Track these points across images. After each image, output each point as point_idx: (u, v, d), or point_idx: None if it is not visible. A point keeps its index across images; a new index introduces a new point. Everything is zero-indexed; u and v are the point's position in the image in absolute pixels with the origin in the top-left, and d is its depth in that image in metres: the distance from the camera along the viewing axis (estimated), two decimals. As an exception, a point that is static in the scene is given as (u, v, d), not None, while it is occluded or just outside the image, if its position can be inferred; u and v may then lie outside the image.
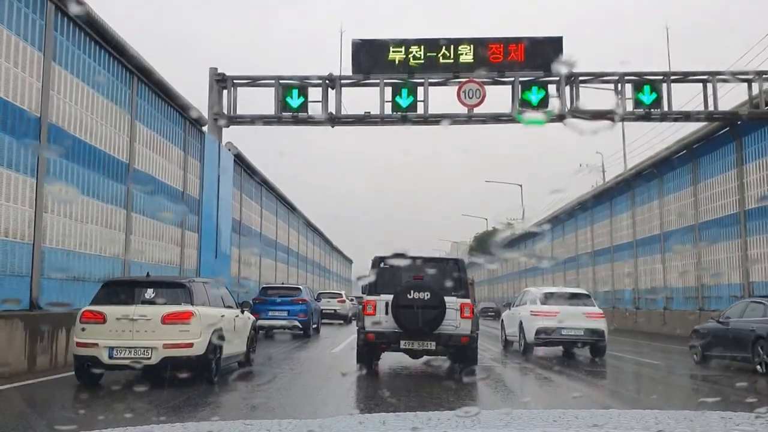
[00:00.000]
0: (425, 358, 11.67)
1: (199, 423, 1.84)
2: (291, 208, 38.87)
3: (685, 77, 20.51)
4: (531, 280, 49.45)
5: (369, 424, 1.85)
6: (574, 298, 16.01)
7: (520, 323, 15.51)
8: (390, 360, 12.19)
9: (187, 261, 18.86)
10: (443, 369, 11.61)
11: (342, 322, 30.20)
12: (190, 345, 8.76)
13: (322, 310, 28.81)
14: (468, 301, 11.02)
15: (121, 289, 9.53)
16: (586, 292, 17.55)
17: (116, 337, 8.64)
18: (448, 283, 10.83)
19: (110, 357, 8.61)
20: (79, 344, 8.80)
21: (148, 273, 10.89)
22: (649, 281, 30.58)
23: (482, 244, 72.55)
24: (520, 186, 51.52)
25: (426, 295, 10.47)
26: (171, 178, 17.97)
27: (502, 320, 18.01)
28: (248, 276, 27.30)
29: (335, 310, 30.87)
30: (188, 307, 8.99)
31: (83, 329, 8.82)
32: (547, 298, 15.77)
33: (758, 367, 11.59)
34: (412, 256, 11.11)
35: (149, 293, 9.22)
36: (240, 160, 25.29)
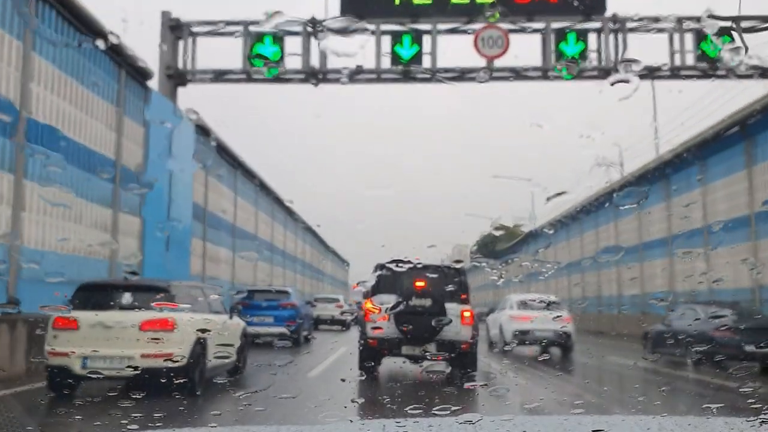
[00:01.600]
0: (425, 363, 11.71)
1: (197, 429, 1.79)
2: (277, 200, 34.48)
3: (764, 22, 16.17)
4: (543, 285, 45.38)
5: (369, 431, 1.85)
6: (546, 304, 18.74)
7: (500, 326, 17.68)
8: (390, 366, 12.00)
9: (123, 253, 14.45)
10: (443, 374, 11.62)
11: (341, 327, 29.00)
12: (170, 355, 8.16)
13: (319, 315, 28.08)
14: (468, 307, 11.31)
15: (97, 293, 8.83)
16: (557, 300, 20.71)
17: (90, 345, 8.11)
18: (449, 290, 10.98)
19: (83, 367, 8.10)
20: (51, 353, 8.24)
21: (125, 276, 10.06)
22: (689, 283, 26.20)
23: (486, 246, 68.33)
24: (529, 181, 47.30)
25: (427, 302, 10.84)
26: (96, 140, 13.54)
27: (487, 323, 19.77)
28: (217, 275, 22.94)
29: (333, 315, 29.57)
30: (169, 314, 8.44)
31: (55, 337, 8.30)
32: (523, 304, 18.02)
33: (689, 361, 13.11)
34: (414, 263, 10.90)
35: (127, 298, 8.60)
36: (206, 133, 20.84)
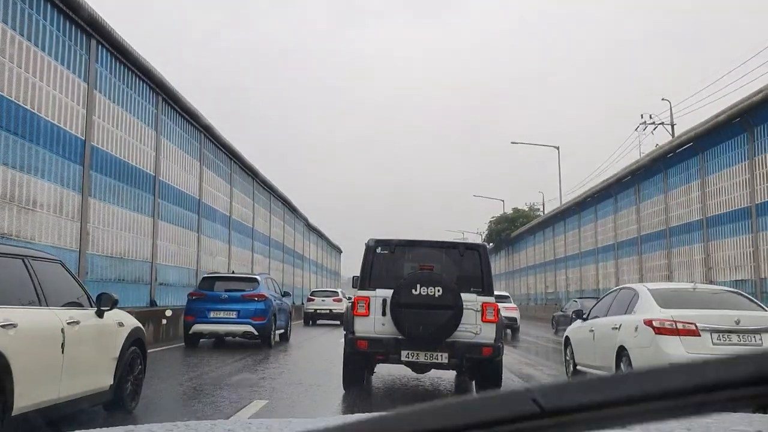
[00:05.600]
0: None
1: (200, 422, 1.83)
2: (234, 156, 26.86)
3: None
4: (575, 271, 39.82)
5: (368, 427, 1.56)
6: (499, 297, 24.54)
7: None
8: (389, 368, 10.41)
9: None
10: (447, 374, 10.72)
11: (339, 323, 27.56)
12: None
13: (316, 310, 29.11)
14: (492, 300, 8.94)
15: None
16: (507, 294, 28.68)
17: None
18: (467, 276, 8.97)
19: None
20: None
21: None
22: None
23: (498, 232, 62.28)
24: (557, 148, 40.79)
25: (437, 291, 8.51)
26: None
27: None
28: (35, 237, 12.25)
29: (331, 310, 29.31)
30: None
31: None
32: None
33: None
34: (419, 241, 9.32)
35: None
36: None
